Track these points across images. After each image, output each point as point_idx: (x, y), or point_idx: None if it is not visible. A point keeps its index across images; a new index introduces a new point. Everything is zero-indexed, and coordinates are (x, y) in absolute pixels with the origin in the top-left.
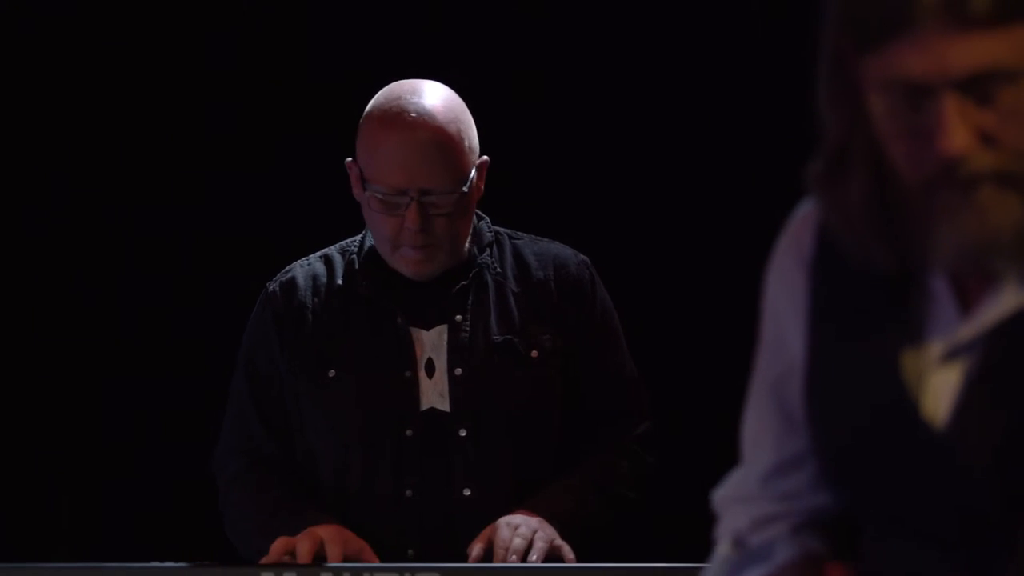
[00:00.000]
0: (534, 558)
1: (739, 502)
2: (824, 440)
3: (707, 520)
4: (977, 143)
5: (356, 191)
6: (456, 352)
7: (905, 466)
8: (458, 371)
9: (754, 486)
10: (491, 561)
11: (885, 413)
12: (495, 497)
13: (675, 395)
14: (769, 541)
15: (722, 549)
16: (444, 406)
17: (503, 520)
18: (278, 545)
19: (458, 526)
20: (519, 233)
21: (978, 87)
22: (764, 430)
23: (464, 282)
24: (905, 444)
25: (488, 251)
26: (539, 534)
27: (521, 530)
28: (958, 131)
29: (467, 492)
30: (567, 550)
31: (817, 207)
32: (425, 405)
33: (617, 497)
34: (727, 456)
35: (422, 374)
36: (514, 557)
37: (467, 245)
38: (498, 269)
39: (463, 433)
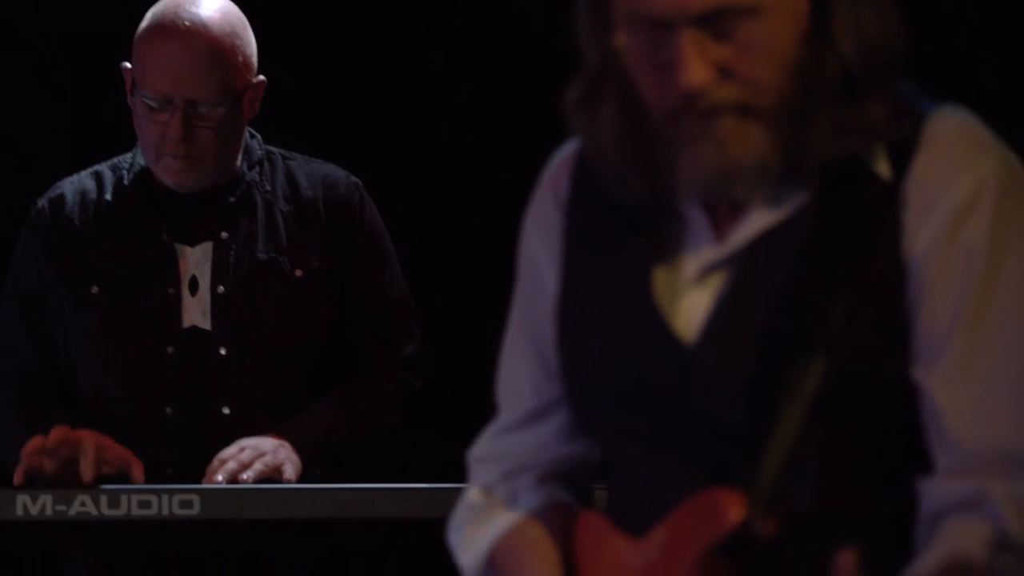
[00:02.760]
0: (246, 477)
1: (489, 460)
2: (574, 368)
3: (469, 440)
4: (715, 76)
5: (129, 97)
6: (220, 270)
7: (655, 384)
8: (221, 289)
9: (504, 440)
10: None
11: (636, 333)
12: (254, 416)
13: (449, 319)
14: (515, 490)
15: (470, 495)
16: (206, 324)
17: (239, 442)
18: (33, 443)
19: (217, 445)
20: (293, 154)
21: (715, 23)
22: (521, 377)
23: (232, 199)
24: (655, 362)
25: (258, 169)
26: (265, 458)
27: (244, 454)
28: (695, 66)
29: (226, 411)
30: (288, 471)
31: (575, 134)
32: (187, 323)
33: (375, 421)
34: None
35: (185, 291)
36: (219, 478)
37: (237, 162)
38: (268, 187)
39: (223, 352)
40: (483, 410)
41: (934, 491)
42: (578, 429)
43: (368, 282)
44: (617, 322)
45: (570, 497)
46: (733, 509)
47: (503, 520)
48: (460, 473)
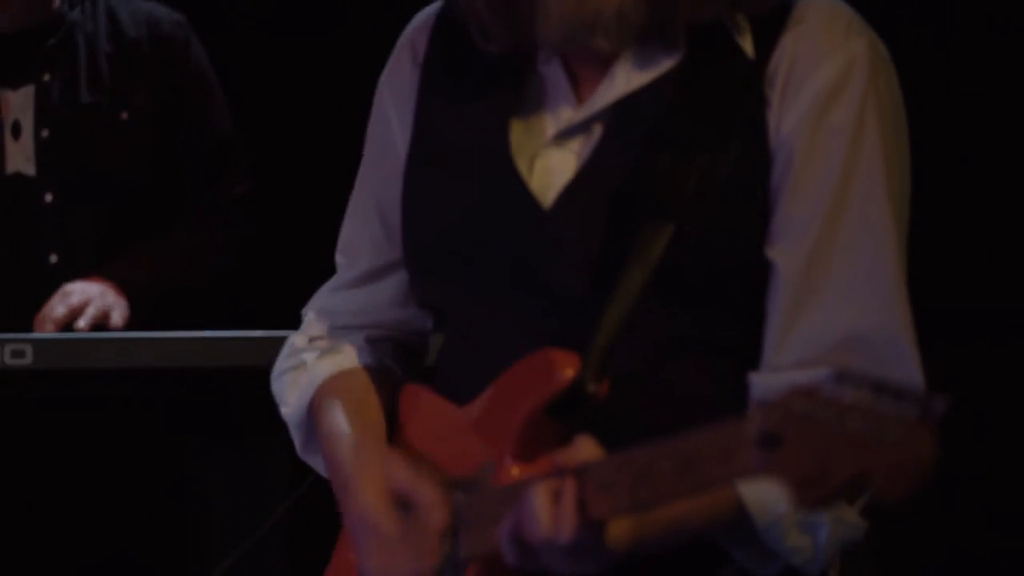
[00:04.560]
0: (81, 324)
1: (321, 314)
2: (417, 223)
3: (308, 285)
4: None
5: None
6: (43, 113)
7: (501, 243)
8: (45, 133)
9: (338, 297)
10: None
11: (488, 189)
12: (82, 264)
13: (282, 160)
14: (343, 343)
15: (295, 341)
16: (30, 170)
17: (64, 287)
18: None
19: (46, 295)
20: None
21: None
22: (361, 236)
23: (53, 40)
24: (505, 220)
25: (80, 8)
26: (95, 303)
27: (72, 299)
28: None
29: (54, 259)
30: (116, 316)
31: None
32: (11, 169)
33: (205, 263)
34: (335, 219)
35: (8, 136)
36: (50, 326)
37: (55, 2)
38: (90, 28)
39: (49, 198)
40: (318, 254)
41: (768, 382)
42: (413, 290)
43: (195, 121)
44: (469, 178)
45: (397, 365)
46: (566, 368)
47: (327, 366)
48: (295, 319)
